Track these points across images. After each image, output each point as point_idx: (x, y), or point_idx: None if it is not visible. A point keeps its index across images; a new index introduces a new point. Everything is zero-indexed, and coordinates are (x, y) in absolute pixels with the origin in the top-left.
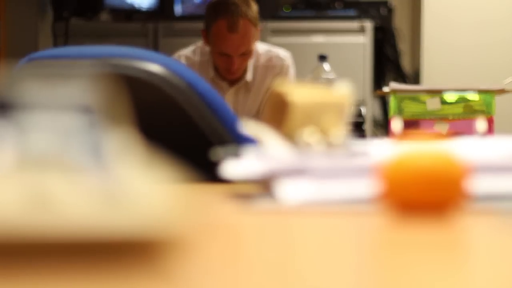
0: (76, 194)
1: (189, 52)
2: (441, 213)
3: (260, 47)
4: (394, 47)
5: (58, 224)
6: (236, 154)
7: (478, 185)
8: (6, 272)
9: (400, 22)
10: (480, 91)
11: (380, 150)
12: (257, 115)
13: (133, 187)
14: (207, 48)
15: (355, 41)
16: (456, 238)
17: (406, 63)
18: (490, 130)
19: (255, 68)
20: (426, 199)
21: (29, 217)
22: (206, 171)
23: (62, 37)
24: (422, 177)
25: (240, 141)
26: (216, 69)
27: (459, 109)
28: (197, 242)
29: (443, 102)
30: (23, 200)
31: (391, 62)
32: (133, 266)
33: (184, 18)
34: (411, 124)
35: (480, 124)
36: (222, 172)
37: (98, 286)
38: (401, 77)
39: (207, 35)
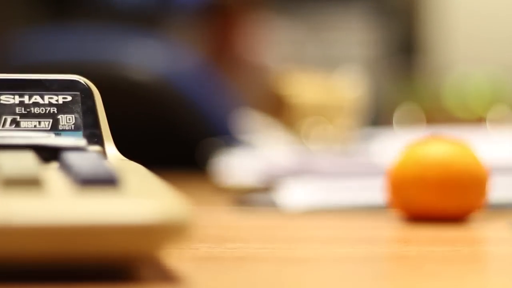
0: (69, 182)
1: None
2: (457, 219)
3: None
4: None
5: (50, 210)
6: (235, 154)
7: (496, 186)
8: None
9: None
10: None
11: (389, 148)
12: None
13: (128, 180)
14: None
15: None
16: (470, 237)
17: (414, 36)
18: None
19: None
20: (441, 206)
21: (15, 202)
22: (201, 172)
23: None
24: (436, 180)
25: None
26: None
27: (473, 103)
28: (195, 240)
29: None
30: (7, 182)
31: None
32: (128, 260)
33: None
34: (420, 120)
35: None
36: (219, 175)
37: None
38: (410, 53)
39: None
